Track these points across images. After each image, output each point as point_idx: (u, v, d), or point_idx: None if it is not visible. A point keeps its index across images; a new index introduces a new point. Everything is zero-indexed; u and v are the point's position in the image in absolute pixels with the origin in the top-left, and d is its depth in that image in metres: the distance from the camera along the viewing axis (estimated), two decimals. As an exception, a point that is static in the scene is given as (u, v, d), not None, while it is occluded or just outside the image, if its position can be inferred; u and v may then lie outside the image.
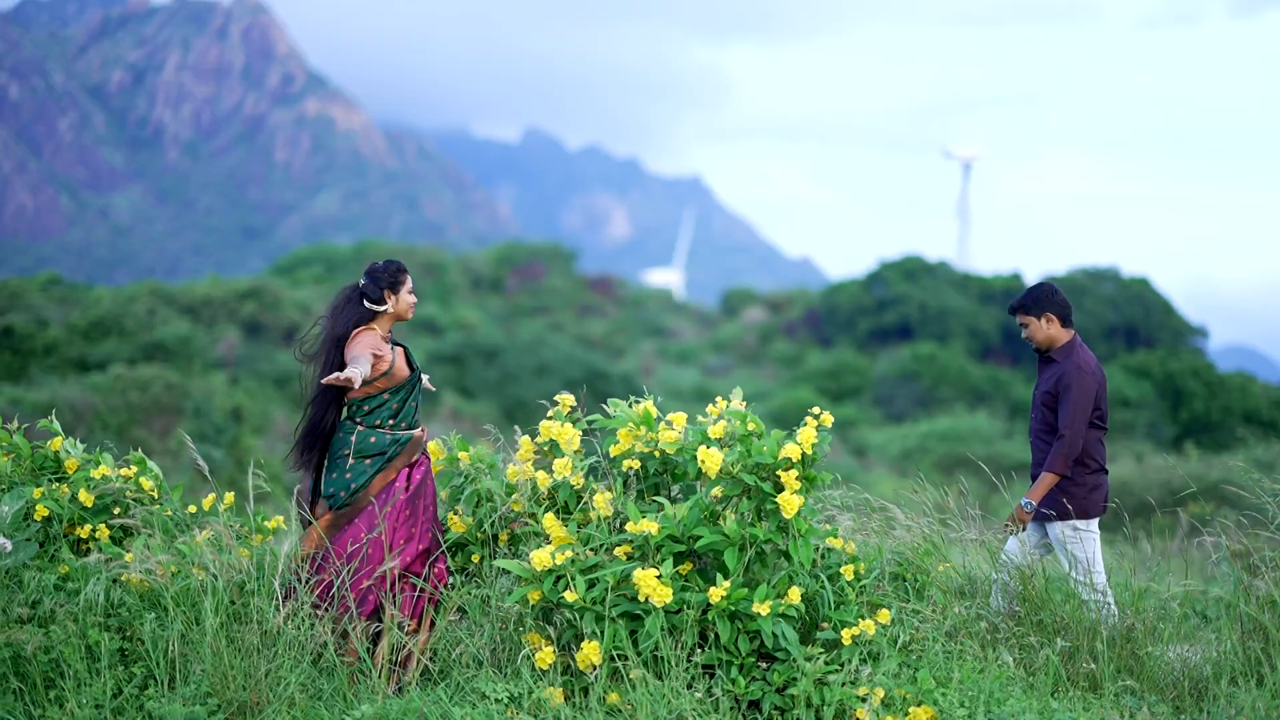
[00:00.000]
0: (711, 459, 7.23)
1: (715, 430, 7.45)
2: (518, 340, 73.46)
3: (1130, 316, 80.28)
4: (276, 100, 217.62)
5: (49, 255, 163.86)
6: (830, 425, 7.57)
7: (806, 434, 7.29)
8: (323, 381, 7.50)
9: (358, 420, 7.93)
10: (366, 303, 8.02)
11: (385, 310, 8.03)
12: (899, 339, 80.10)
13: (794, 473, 7.18)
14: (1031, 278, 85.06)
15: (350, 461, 7.88)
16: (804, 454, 7.29)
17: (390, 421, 7.96)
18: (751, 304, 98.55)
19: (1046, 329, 8.89)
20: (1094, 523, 8.56)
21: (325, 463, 7.94)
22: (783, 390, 66.69)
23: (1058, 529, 8.51)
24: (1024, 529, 8.52)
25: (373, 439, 7.91)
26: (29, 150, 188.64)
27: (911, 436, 53.51)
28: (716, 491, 7.39)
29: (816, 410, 7.63)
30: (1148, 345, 75.81)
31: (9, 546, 7.44)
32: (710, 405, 7.77)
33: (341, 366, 7.84)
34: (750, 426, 7.46)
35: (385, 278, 8.04)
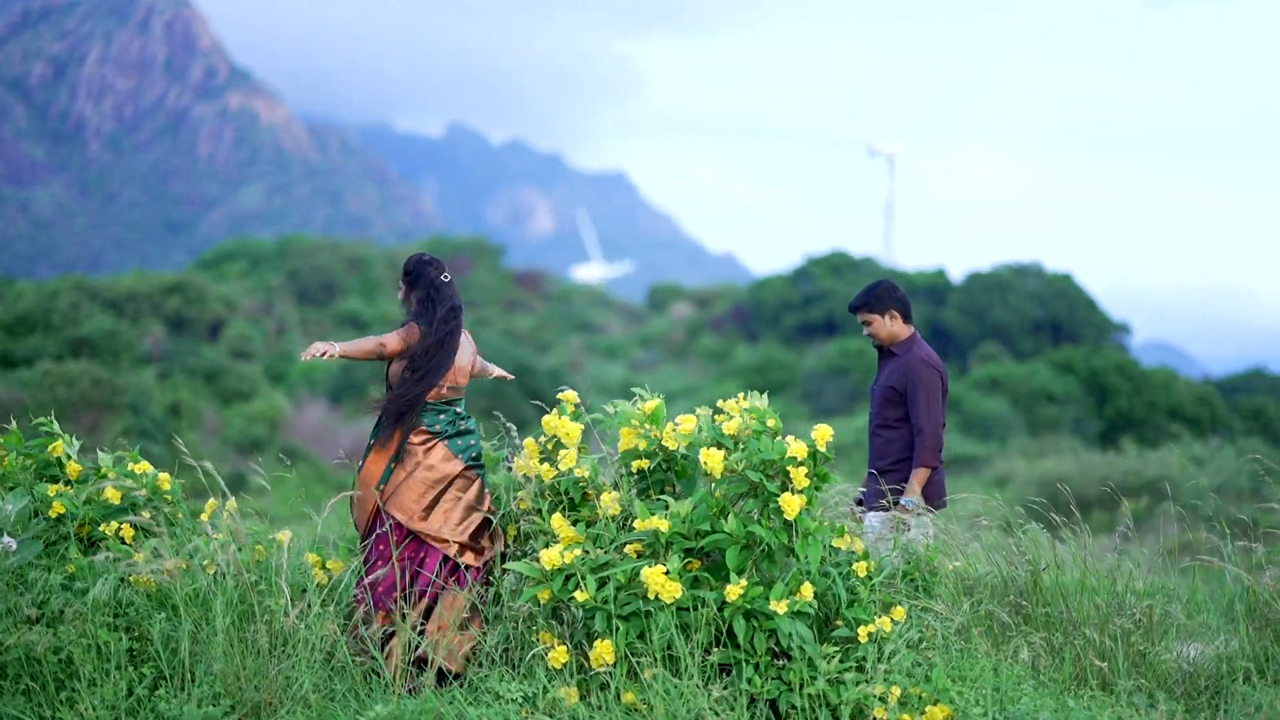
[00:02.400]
0: (713, 459, 7.25)
1: (729, 427, 7.48)
2: (445, 335, 73.08)
3: (1054, 312, 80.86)
4: (199, 94, 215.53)
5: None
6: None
7: (822, 431, 7.35)
8: None
9: None
10: None
11: None
12: (826, 334, 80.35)
13: (803, 470, 7.23)
14: (957, 273, 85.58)
15: None
16: (815, 451, 7.35)
17: None
18: (678, 299, 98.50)
19: (889, 325, 9.00)
20: (927, 519, 8.65)
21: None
22: (711, 385, 66.74)
23: (877, 517, 8.58)
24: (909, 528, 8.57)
25: None
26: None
27: (846, 431, 53.72)
28: (717, 491, 7.44)
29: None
30: (1071, 341, 76.45)
31: (13, 545, 7.41)
32: (726, 401, 7.78)
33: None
34: (770, 423, 7.50)
35: None
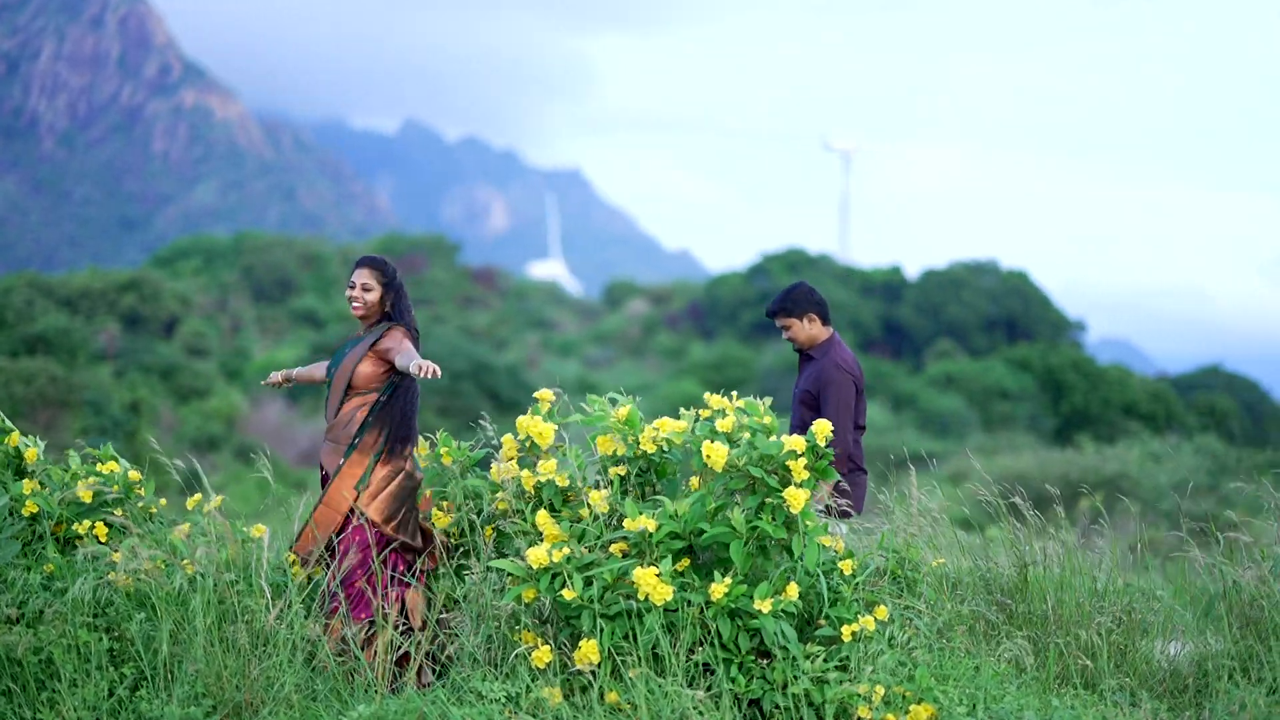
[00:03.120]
0: (717, 453, 7.20)
1: (724, 424, 7.44)
2: (402, 332, 72.84)
3: (1010, 309, 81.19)
4: (154, 90, 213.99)
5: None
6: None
7: (821, 425, 7.32)
8: None
9: None
10: None
11: None
12: (782, 331, 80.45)
13: (802, 462, 7.20)
14: (912, 270, 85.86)
15: None
16: (813, 444, 7.31)
17: None
18: (634, 296, 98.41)
19: (808, 329, 9.01)
20: (841, 525, 8.52)
21: None
22: (667, 382, 66.73)
23: None
24: None
25: None
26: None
27: (803, 429, 53.73)
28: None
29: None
30: (1027, 338, 76.80)
31: (-9, 546, 7.38)
32: (714, 396, 7.76)
33: None
34: (766, 421, 7.48)
35: None
